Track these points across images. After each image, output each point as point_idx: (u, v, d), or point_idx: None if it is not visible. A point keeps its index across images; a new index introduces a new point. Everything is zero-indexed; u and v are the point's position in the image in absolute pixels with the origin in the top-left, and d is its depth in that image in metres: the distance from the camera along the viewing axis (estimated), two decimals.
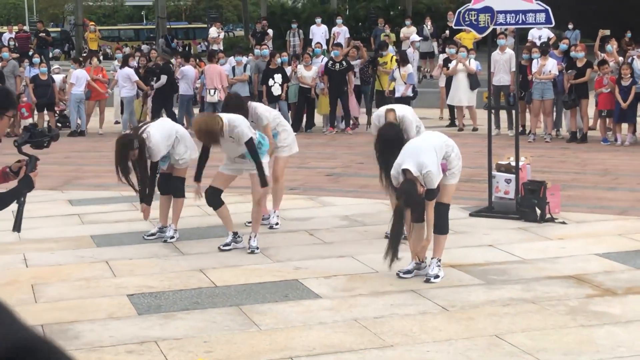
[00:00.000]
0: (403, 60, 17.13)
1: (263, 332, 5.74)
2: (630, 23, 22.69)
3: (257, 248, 7.88)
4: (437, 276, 6.90)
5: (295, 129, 17.56)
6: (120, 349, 5.46)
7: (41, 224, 9.45)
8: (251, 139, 7.67)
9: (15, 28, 29.28)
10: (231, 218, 8.17)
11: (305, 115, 18.00)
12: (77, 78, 18.30)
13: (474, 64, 17.15)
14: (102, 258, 7.83)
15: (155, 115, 17.87)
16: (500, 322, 5.85)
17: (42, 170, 14.32)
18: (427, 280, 6.85)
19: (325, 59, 18.57)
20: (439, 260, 6.98)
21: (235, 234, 8.11)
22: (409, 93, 16.37)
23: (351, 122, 17.78)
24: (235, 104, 8.37)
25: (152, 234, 8.55)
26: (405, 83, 16.35)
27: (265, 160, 7.91)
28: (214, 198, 8.01)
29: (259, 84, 17.58)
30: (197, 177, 8.08)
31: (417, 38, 22.21)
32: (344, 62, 17.60)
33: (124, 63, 18.73)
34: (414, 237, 7.08)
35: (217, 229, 8.66)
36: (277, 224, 8.96)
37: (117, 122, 18.69)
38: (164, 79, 17.80)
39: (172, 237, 8.37)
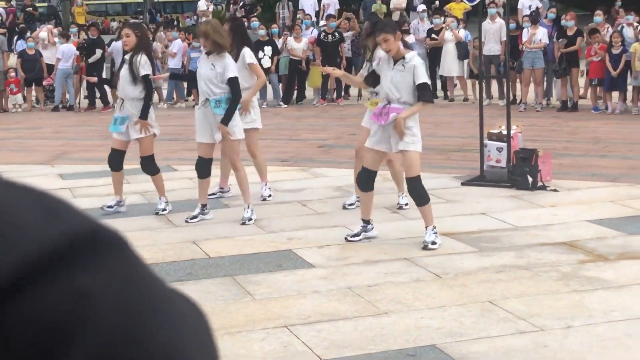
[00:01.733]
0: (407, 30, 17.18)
1: (257, 302, 5.75)
2: None
3: (250, 219, 7.85)
4: (434, 242, 6.88)
5: (286, 101, 17.59)
6: None
7: None
8: (236, 78, 7.70)
9: (2, 3, 29.07)
10: (207, 192, 8.18)
11: (296, 88, 17.96)
12: (63, 53, 18.15)
13: (463, 33, 17.12)
14: None
15: (90, 93, 17.88)
16: (494, 289, 5.87)
17: (32, 145, 14.33)
18: (425, 247, 6.84)
19: (316, 31, 18.50)
20: (434, 228, 6.97)
21: (204, 206, 8.10)
22: None
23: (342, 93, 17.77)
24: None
25: (110, 206, 8.46)
26: None
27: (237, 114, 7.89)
28: (204, 168, 7.98)
29: None
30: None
31: (423, 7, 21.01)
32: (336, 34, 17.55)
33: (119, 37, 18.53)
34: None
35: (209, 202, 8.65)
36: (269, 195, 8.89)
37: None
38: (98, 52, 17.69)
39: (164, 210, 8.33)
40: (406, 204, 8.13)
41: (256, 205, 8.61)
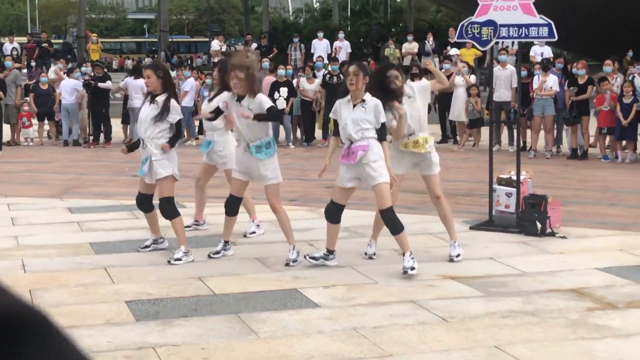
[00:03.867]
0: (419, 73, 17.27)
1: (262, 340, 5.70)
2: (630, 43, 22.75)
3: (295, 261, 7.74)
4: (413, 267, 7.23)
5: (307, 140, 17.75)
6: (117, 355, 5.42)
7: (40, 230, 9.43)
8: (273, 106, 7.76)
9: (23, 39, 29.50)
10: (232, 229, 8.17)
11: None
12: (62, 88, 18.29)
13: (473, 79, 17.19)
14: (101, 265, 7.80)
15: (96, 128, 18.13)
16: (500, 334, 5.81)
17: (42, 178, 14.39)
18: (405, 272, 7.19)
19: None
20: (411, 253, 7.32)
21: (226, 242, 8.11)
22: None
23: None
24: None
25: (147, 246, 8.38)
26: None
27: (276, 157, 7.90)
28: (233, 206, 7.99)
29: None
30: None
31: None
32: (341, 76, 17.71)
33: (137, 74, 18.48)
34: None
35: (215, 239, 8.62)
36: (253, 232, 9.02)
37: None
38: (109, 83, 18.08)
39: (178, 260, 7.85)
40: (458, 255, 7.85)
41: (262, 244, 8.61)
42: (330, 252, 7.70)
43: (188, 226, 9.16)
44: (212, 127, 8.99)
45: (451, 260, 7.82)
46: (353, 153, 7.33)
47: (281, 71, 17.58)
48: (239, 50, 8.58)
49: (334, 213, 7.61)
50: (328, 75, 17.87)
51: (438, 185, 8.01)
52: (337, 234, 7.73)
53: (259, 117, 7.51)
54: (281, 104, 17.04)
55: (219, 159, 9.03)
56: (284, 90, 17.19)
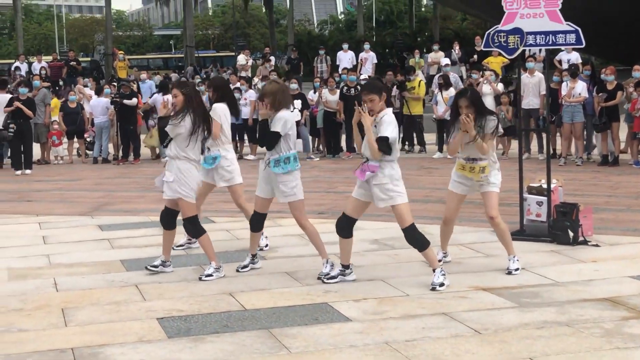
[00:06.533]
0: (446, 83, 17.37)
1: (293, 355, 5.68)
2: None
3: (327, 275, 7.67)
4: (442, 284, 7.19)
5: (334, 152, 17.74)
6: None
7: (71, 248, 9.48)
8: (275, 132, 7.85)
9: (49, 57, 29.81)
10: (257, 243, 8.19)
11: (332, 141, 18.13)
12: (92, 107, 18.59)
13: (500, 87, 17.12)
14: (132, 282, 7.83)
15: (125, 145, 18.28)
16: (534, 345, 5.75)
17: (72, 196, 14.51)
18: (433, 289, 7.15)
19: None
20: (442, 269, 7.31)
21: (254, 256, 8.13)
22: (447, 116, 16.54)
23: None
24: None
25: (155, 266, 8.14)
26: (446, 105, 16.60)
27: (297, 175, 7.87)
28: (258, 223, 8.01)
29: None
30: None
31: (446, 62, 22.03)
32: (358, 87, 17.76)
33: (165, 90, 18.49)
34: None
35: (244, 253, 8.62)
36: (266, 245, 9.04)
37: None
38: (134, 100, 18.33)
39: (209, 276, 7.81)
40: (517, 269, 7.74)
41: (290, 258, 8.60)
42: (345, 267, 7.56)
43: (181, 245, 9.12)
44: (219, 143, 8.71)
45: (509, 273, 7.73)
46: (362, 172, 7.23)
47: (293, 85, 17.61)
48: (270, 80, 8.89)
49: (345, 227, 7.46)
50: (345, 87, 17.88)
51: (493, 206, 7.75)
52: (350, 248, 7.56)
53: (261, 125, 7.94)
54: (296, 116, 17.10)
55: (226, 174, 8.74)
56: (297, 103, 17.28)
